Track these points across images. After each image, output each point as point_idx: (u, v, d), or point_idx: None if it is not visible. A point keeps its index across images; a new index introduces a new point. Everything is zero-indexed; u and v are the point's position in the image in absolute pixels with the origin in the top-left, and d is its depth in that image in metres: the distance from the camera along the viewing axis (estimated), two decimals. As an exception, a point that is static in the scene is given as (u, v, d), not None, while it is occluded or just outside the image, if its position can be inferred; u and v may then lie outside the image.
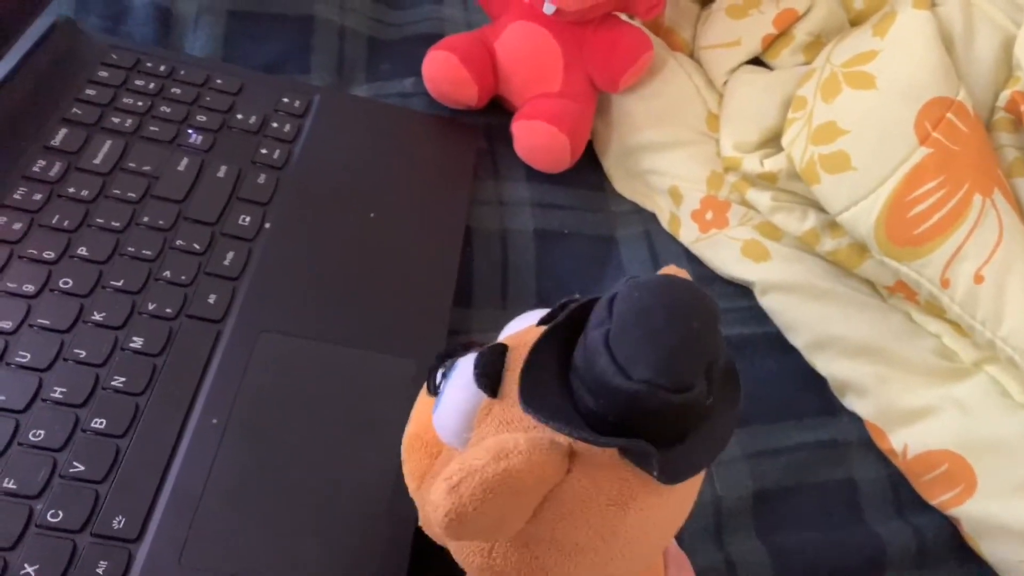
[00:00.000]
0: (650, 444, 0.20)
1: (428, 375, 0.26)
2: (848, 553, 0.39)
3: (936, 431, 0.40)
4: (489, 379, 0.23)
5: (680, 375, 0.20)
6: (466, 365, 0.24)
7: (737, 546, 0.38)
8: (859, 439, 0.42)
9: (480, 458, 0.20)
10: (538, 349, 0.22)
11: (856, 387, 0.42)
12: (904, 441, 0.40)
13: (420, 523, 0.28)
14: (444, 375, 0.25)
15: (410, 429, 0.28)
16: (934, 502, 0.40)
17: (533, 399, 0.21)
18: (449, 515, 0.20)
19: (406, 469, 0.28)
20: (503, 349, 0.23)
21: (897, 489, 0.41)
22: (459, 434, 0.24)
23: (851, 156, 0.42)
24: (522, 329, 0.26)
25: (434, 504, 0.20)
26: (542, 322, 0.25)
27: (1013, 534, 0.37)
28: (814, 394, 0.43)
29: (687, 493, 0.24)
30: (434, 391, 0.25)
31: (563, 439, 0.21)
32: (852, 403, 0.43)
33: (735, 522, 0.39)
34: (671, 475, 0.21)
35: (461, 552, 0.24)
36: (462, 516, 0.20)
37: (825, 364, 0.43)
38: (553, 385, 0.22)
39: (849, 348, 0.42)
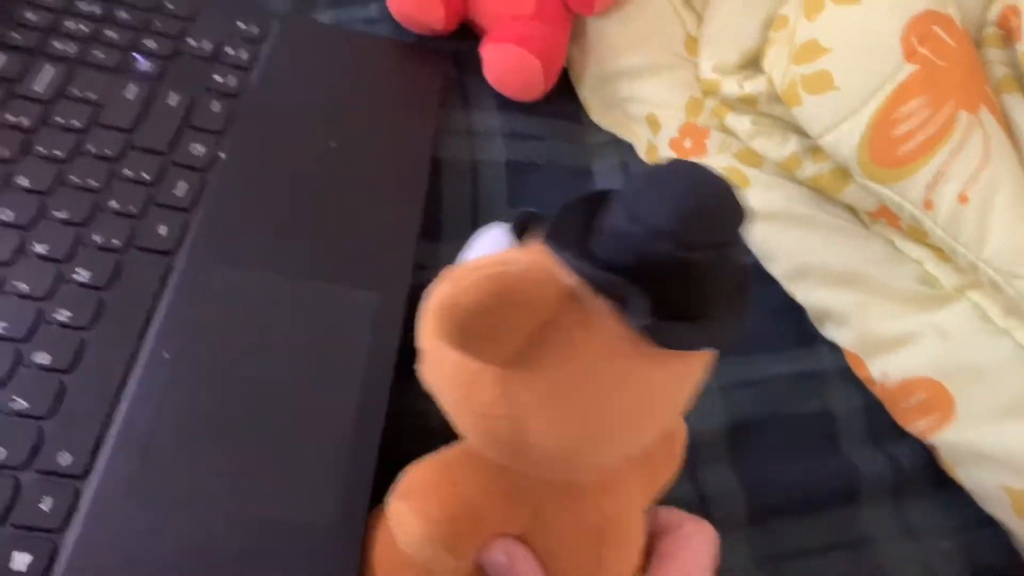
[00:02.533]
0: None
1: None
2: (822, 483, 0.38)
3: (915, 358, 0.38)
4: (522, 223, 0.25)
5: (687, 230, 0.20)
6: (488, 230, 0.26)
7: (710, 478, 0.37)
8: (837, 369, 0.41)
9: (483, 261, 0.21)
10: (569, 206, 0.23)
11: (836, 316, 0.41)
12: (882, 369, 0.39)
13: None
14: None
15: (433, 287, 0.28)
16: (911, 429, 0.39)
17: (554, 233, 0.22)
18: (444, 302, 0.20)
19: (424, 313, 0.27)
20: (541, 216, 0.25)
21: (874, 419, 0.40)
22: None
23: (834, 75, 0.40)
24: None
25: (433, 296, 0.21)
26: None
27: (990, 460, 0.36)
28: (792, 325, 0.42)
29: (675, 384, 0.23)
30: None
31: (566, 277, 0.22)
32: (831, 332, 0.42)
33: (708, 454, 0.38)
34: (655, 330, 0.21)
35: (445, 385, 0.25)
36: (455, 306, 0.20)
37: (804, 293, 0.42)
38: (575, 236, 0.22)
39: (829, 276, 0.41)
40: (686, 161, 0.21)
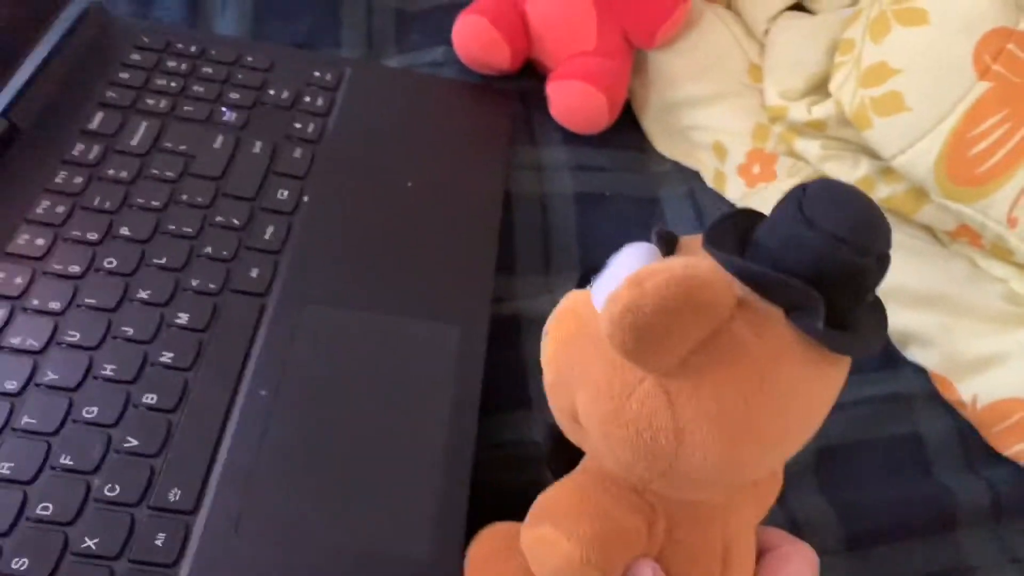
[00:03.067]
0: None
1: (579, 281, 0.27)
2: (919, 509, 0.37)
3: (1007, 379, 0.38)
4: (669, 238, 0.24)
5: (862, 237, 0.21)
6: (633, 247, 0.25)
7: (801, 504, 0.37)
8: (924, 391, 0.41)
9: (662, 264, 0.20)
10: (718, 221, 0.23)
11: (919, 338, 0.40)
12: (973, 391, 0.38)
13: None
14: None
15: (560, 307, 0.27)
16: (1007, 453, 0.38)
17: (714, 243, 0.22)
18: (627, 305, 0.20)
19: (551, 335, 0.26)
20: (676, 236, 0.25)
21: (966, 442, 0.39)
22: None
23: (904, 96, 0.40)
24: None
25: (612, 299, 0.20)
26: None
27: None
28: (874, 347, 0.42)
29: (829, 392, 0.23)
30: (586, 282, 0.26)
31: (735, 287, 0.22)
32: (915, 354, 0.41)
33: (798, 479, 0.37)
34: (829, 336, 0.21)
35: (594, 400, 0.23)
36: (638, 309, 0.20)
37: (885, 316, 0.41)
38: (732, 247, 0.23)
39: (911, 298, 0.40)
40: (839, 181, 0.22)
